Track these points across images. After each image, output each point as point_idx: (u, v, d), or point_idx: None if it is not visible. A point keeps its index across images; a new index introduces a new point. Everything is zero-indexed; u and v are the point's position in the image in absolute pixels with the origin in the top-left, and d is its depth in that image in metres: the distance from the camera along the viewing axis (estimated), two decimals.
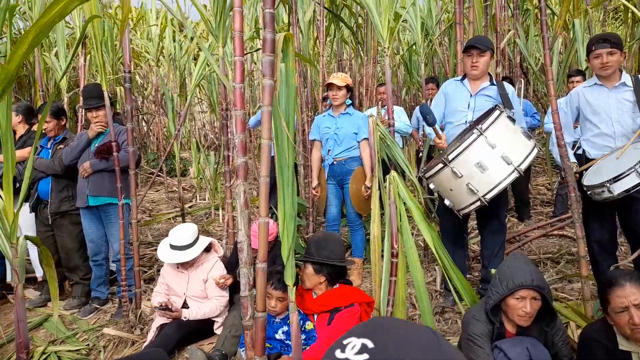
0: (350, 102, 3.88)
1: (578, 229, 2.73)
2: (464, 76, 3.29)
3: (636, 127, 2.78)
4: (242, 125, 2.02)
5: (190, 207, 6.89)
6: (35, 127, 3.86)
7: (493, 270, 2.22)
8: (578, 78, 4.51)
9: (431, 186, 2.95)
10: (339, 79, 3.75)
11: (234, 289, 3.27)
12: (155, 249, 4.96)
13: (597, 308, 2.52)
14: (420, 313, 2.44)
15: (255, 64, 8.19)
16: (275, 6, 5.16)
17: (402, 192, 2.41)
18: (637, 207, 2.74)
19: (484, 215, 3.16)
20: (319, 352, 2.29)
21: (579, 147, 3.10)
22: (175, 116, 6.19)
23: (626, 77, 2.90)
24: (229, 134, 3.52)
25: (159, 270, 4.37)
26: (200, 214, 6.50)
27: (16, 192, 2.37)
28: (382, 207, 2.71)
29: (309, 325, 2.44)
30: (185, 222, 5.62)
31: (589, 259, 2.96)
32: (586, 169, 2.89)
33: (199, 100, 11.34)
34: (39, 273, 3.96)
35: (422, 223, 2.42)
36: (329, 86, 3.79)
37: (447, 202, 2.91)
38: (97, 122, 3.49)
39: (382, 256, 2.54)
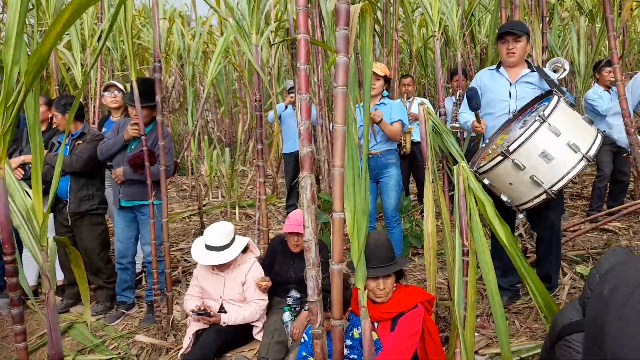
0: (387, 93, 3.69)
1: None
2: (499, 64, 3.13)
3: None
4: (307, 112, 1.83)
5: (204, 205, 6.66)
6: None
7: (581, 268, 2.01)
8: (610, 68, 4.35)
9: (485, 181, 2.75)
10: (379, 68, 3.56)
11: (270, 292, 3.06)
12: (177, 250, 4.75)
13: None
14: (493, 314, 2.23)
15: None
16: None
17: (473, 184, 2.20)
18: None
19: (537, 214, 2.96)
20: None
21: None
22: (195, 112, 5.93)
23: None
24: (262, 126, 3.32)
25: (183, 272, 4.16)
26: (215, 212, 6.28)
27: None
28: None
29: (373, 336, 2.21)
30: (203, 220, 5.40)
31: None
32: None
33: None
34: (59, 277, 3.73)
35: (494, 218, 2.20)
36: None
37: (503, 197, 2.72)
38: (134, 122, 3.20)
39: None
